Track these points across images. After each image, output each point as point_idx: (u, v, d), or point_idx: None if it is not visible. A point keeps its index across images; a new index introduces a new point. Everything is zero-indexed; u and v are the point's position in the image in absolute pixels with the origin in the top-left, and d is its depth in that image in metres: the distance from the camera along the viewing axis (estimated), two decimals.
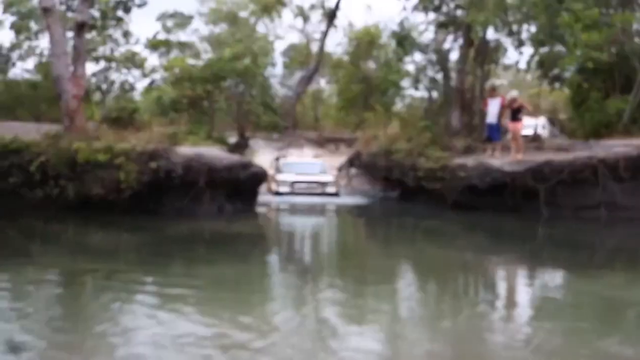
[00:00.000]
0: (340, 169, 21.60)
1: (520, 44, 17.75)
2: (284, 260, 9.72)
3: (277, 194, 18.45)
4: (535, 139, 18.60)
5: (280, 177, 19.03)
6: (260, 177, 15.11)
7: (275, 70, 35.85)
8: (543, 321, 6.25)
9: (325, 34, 33.60)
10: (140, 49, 30.10)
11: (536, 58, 19.27)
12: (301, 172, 19.41)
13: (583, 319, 6.40)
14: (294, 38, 60.76)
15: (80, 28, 15.14)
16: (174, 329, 5.48)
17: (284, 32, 66.66)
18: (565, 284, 8.50)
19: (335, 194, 18.82)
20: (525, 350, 5.27)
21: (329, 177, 19.48)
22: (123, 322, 5.71)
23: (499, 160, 15.65)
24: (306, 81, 33.37)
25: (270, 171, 19.27)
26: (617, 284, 8.15)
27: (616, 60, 20.81)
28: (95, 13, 23.32)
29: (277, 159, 20.76)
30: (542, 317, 6.46)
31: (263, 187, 19.48)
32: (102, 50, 25.48)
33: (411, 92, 25.78)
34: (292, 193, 18.36)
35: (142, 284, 7.32)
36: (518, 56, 19.54)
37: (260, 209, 16.04)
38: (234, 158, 14.59)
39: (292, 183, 18.59)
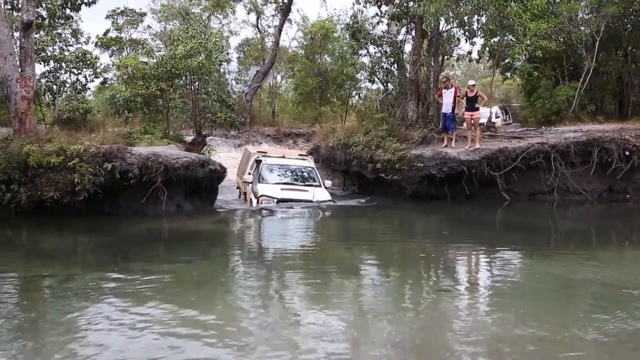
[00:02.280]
0: None
1: (471, 34, 18.01)
2: (245, 257, 9.67)
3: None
4: (489, 127, 18.97)
5: (261, 189, 14.73)
6: (219, 174, 14.98)
7: (231, 67, 35.57)
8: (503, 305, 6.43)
9: (280, 29, 33.52)
10: (91, 48, 29.53)
11: (487, 48, 19.61)
12: (288, 182, 15.56)
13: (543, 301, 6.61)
14: (248, 33, 60.56)
15: (27, 27, 14.71)
16: (134, 330, 5.42)
17: (237, 27, 66.69)
18: (523, 266, 8.72)
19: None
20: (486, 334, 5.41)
21: (324, 194, 15.26)
22: (82, 325, 5.61)
23: (455, 149, 15.90)
24: (262, 76, 33.23)
25: (247, 176, 15.74)
26: (571, 265, 8.44)
27: (564, 48, 21.43)
28: (43, 12, 22.73)
29: (258, 160, 15.98)
30: (502, 301, 6.64)
31: (233, 192, 17.62)
32: (52, 50, 24.85)
33: (367, 84, 25.88)
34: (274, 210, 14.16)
35: (100, 286, 7.19)
36: (470, 47, 19.76)
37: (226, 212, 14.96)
38: (191, 156, 14.42)
39: (278, 201, 14.43)
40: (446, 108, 16.37)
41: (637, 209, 15.05)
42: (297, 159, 16.99)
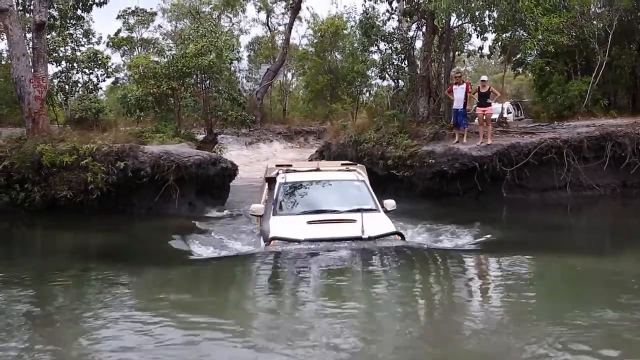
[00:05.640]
0: (310, 160, 21.18)
1: (483, 30, 17.89)
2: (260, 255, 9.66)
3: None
4: (501, 123, 18.86)
5: (274, 226, 8.83)
6: (230, 172, 15.01)
7: (241, 65, 35.65)
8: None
9: (290, 27, 33.55)
10: (102, 48, 29.67)
11: (499, 43, 19.49)
12: (321, 209, 9.38)
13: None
14: (259, 31, 60.45)
15: (40, 28, 14.84)
16: (149, 324, 5.46)
17: (248, 26, 66.56)
18: (539, 264, 8.66)
19: None
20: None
21: (382, 224, 8.90)
22: (96, 318, 5.66)
23: (466, 145, 15.82)
24: (272, 74, 33.29)
25: (255, 206, 9.88)
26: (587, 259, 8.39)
27: (576, 43, 21.26)
28: (55, 13, 22.88)
29: (270, 179, 10.51)
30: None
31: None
32: (64, 50, 25.00)
33: (377, 81, 25.84)
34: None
35: (115, 280, 7.26)
36: (481, 42, 19.66)
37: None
38: (203, 154, 14.48)
39: (301, 242, 8.33)
40: (457, 104, 16.27)
41: None
42: (339, 170, 10.96)
